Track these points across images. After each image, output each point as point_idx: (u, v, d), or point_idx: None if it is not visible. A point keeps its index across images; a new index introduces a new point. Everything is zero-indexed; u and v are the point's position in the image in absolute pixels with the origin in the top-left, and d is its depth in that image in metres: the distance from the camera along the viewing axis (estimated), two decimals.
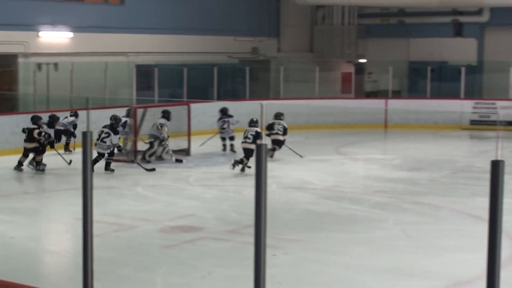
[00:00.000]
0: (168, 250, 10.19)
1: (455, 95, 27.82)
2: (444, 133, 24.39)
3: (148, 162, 18.35)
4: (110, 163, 17.32)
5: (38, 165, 16.99)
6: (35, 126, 17.15)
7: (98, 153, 17.14)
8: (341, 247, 10.35)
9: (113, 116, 17.86)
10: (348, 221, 12.03)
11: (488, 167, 3.80)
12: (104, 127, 17.55)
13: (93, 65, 24.21)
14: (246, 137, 17.24)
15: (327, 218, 12.31)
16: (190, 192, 14.85)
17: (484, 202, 3.61)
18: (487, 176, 3.73)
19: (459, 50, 31.10)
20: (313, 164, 18.17)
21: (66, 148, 20.30)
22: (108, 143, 17.20)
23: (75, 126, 20.43)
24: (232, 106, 22.88)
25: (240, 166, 16.78)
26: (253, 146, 16.54)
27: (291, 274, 8.98)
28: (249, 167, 16.58)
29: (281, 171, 16.98)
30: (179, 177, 16.41)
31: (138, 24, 26.34)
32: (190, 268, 9.19)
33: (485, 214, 3.58)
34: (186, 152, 19.41)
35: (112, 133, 17.32)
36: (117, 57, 25.71)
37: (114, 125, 17.61)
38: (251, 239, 4.06)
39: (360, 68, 32.85)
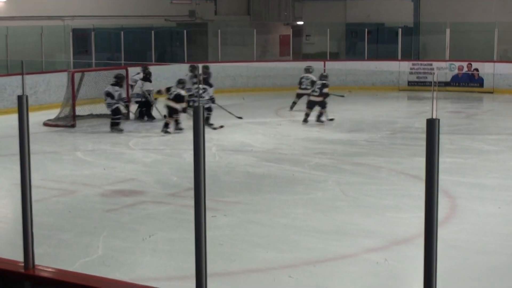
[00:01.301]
0: (108, 214, 10.13)
1: (392, 57, 28.11)
2: (382, 94, 24.62)
3: (153, 118, 19.15)
4: (209, 117, 17.88)
5: (178, 125, 17.43)
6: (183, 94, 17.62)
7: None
8: (282, 208, 10.40)
9: (204, 69, 19.24)
10: (288, 182, 12.09)
11: (425, 127, 3.85)
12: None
13: (29, 30, 23.78)
14: (313, 90, 18.96)
15: (267, 180, 12.36)
16: (130, 156, 14.75)
17: (422, 162, 3.65)
18: (425, 136, 3.78)
19: (396, 12, 31.35)
20: (252, 127, 18.20)
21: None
22: (206, 97, 18.07)
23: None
24: (171, 69, 22.70)
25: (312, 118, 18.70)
26: (319, 98, 18.64)
27: (232, 235, 9.02)
28: (321, 121, 18.69)
29: (221, 134, 16.97)
30: (119, 142, 16.29)
31: None
32: (131, 231, 9.17)
33: (423, 173, 3.64)
34: (125, 116, 19.26)
35: (208, 87, 18.34)
36: (53, 21, 25.29)
37: (207, 79, 18.72)
38: (192, 202, 4.06)
39: (297, 31, 32.91)
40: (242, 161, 14.06)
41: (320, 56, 30.04)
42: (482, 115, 22.21)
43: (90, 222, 9.69)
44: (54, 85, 21.68)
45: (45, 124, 18.45)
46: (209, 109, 18.08)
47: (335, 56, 30.86)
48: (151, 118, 19.18)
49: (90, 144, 15.99)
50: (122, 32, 25.97)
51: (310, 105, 18.77)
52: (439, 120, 3.92)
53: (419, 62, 28.00)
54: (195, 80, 19.56)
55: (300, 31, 33.42)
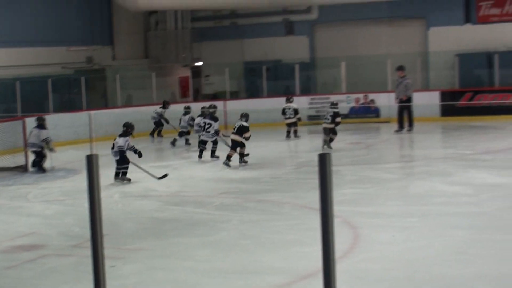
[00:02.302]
0: (8, 271, 9.83)
1: (291, 92, 28.47)
2: (284, 130, 24.80)
3: (45, 171, 18.64)
4: (215, 151, 19.32)
5: (242, 158, 18.35)
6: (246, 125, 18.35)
7: (202, 141, 19.49)
8: (186, 251, 10.32)
9: (211, 105, 20.83)
10: (192, 225, 12.03)
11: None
12: (205, 118, 19.78)
13: None
14: (325, 118, 20.31)
15: (171, 224, 12.25)
16: (30, 209, 14.37)
17: None
18: None
19: (292, 48, 31.85)
20: (156, 171, 18.02)
21: (159, 134, 25.35)
22: (212, 131, 19.26)
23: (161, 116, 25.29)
24: (70, 117, 22.36)
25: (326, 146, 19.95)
26: (331, 125, 20.03)
27: (136, 283, 8.87)
28: (330, 147, 19.81)
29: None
30: (17, 195, 15.89)
31: None
32: (32, 287, 8.92)
33: None
34: (23, 168, 18.86)
35: (213, 122, 19.41)
36: None
37: (213, 114, 19.82)
38: None
39: (196, 72, 33.05)
40: (146, 206, 13.91)
41: (220, 96, 30.18)
42: (380, 144, 22.69)
43: None
44: None
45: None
46: (215, 143, 19.23)
47: (235, 95, 31.06)
48: (42, 170, 18.65)
49: None
50: (17, 83, 25.54)
51: (327, 132, 20.05)
52: (330, 154, 4.01)
53: (318, 96, 28.48)
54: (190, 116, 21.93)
55: (199, 72, 33.56)
